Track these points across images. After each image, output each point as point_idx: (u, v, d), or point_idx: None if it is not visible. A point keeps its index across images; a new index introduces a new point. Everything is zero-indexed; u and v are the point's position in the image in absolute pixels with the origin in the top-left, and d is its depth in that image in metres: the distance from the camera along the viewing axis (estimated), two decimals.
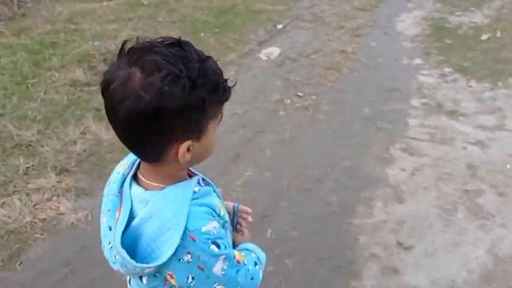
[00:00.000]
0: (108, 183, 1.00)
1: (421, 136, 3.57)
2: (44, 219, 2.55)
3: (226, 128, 3.51)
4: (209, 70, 0.83)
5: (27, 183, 2.83)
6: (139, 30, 5.31)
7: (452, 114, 3.91)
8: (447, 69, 4.79)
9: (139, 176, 0.94)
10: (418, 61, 5.03)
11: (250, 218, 1.23)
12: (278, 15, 6.40)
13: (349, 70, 4.75)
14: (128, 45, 0.82)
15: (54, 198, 2.68)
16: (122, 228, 0.86)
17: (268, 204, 2.80)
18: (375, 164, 3.22)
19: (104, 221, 0.96)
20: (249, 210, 1.22)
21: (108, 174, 0.97)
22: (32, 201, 2.66)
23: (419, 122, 3.77)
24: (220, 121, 0.91)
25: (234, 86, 0.89)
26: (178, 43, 0.81)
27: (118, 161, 1.00)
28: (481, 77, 4.60)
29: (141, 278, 0.94)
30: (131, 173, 0.96)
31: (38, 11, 5.92)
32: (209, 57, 0.84)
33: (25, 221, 2.54)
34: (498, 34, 5.63)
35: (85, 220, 2.58)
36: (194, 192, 0.91)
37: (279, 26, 6.01)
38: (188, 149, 0.86)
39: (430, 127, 3.70)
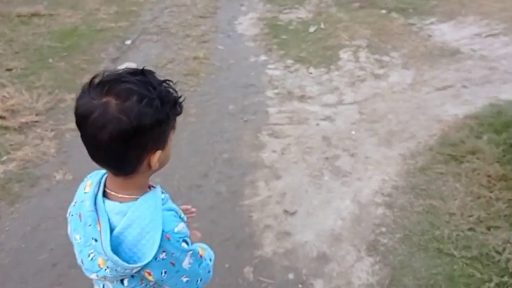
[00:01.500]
0: (74, 203, 1.12)
1: (281, 121, 4.08)
2: None
3: None
4: (169, 90, 1.02)
5: None
6: None
7: (302, 98, 4.53)
8: (289, 61, 5.45)
9: (110, 192, 1.07)
10: (263, 57, 5.61)
11: (194, 209, 1.44)
12: (124, 32, 6.45)
13: (206, 74, 5.11)
14: (97, 79, 0.96)
15: None
16: (109, 237, 1.00)
17: None
18: (250, 151, 3.62)
19: (77, 237, 1.08)
20: (189, 206, 1.43)
21: None
22: None
23: (277, 109, 4.30)
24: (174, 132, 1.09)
25: (184, 100, 1.08)
26: (140, 72, 0.99)
27: None
28: (317, 63, 5.35)
29: (121, 281, 1.09)
30: (101, 191, 1.07)
31: None
32: (166, 80, 1.03)
33: None
34: (322, 26, 6.54)
35: None
36: (162, 199, 1.10)
37: (128, 42, 6.09)
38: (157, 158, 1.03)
39: (286, 112, 4.24)
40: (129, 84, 0.94)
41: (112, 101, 0.92)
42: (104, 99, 0.93)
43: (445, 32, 5.98)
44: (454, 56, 5.29)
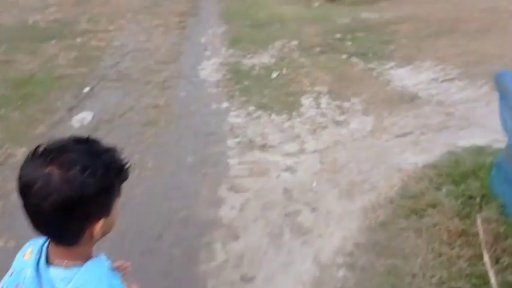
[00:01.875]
0: (11, 272, 1.07)
1: (241, 173, 3.98)
2: None
3: None
4: (115, 158, 1.01)
5: None
6: None
7: (263, 147, 4.46)
8: (251, 108, 5.40)
9: (53, 258, 1.03)
10: (225, 104, 5.55)
11: (128, 263, 1.35)
12: (82, 78, 6.31)
13: (165, 123, 5.00)
14: (40, 148, 0.96)
15: None
16: None
17: None
18: (208, 208, 3.49)
19: None
20: (123, 261, 1.34)
21: None
22: None
23: (237, 160, 4.20)
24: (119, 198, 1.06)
25: (130, 167, 1.05)
26: (85, 140, 1.00)
27: None
28: (279, 110, 5.32)
29: None
30: (43, 257, 1.03)
31: None
32: (112, 148, 1.03)
33: None
34: (284, 71, 6.58)
35: None
36: (107, 266, 1.07)
37: (86, 89, 5.95)
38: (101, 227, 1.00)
39: (247, 163, 4.15)
40: (72, 153, 0.95)
41: (55, 171, 0.92)
42: (47, 169, 0.92)
43: (404, 77, 6.10)
44: (413, 101, 5.37)
